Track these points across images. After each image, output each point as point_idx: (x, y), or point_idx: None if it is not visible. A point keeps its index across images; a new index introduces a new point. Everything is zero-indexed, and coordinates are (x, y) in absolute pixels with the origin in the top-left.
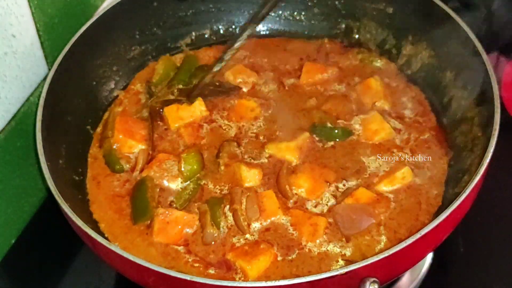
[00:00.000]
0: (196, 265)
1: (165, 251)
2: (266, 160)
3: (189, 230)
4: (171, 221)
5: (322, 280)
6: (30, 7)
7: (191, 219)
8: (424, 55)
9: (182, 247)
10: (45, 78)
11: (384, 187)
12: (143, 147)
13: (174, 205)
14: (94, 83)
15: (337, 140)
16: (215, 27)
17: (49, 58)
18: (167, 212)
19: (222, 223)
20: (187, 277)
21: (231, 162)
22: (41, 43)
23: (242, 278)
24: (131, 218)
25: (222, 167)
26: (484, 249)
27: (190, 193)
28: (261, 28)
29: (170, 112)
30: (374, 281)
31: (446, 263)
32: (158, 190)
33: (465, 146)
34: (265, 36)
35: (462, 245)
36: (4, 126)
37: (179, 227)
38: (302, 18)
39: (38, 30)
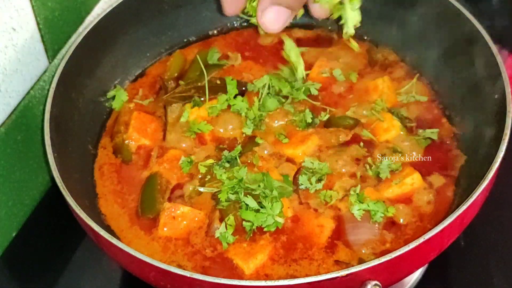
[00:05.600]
0: (194, 257)
1: (166, 245)
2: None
3: (195, 225)
4: (177, 216)
5: (322, 281)
6: (31, 0)
7: (197, 214)
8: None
9: (181, 240)
10: (45, 71)
11: (392, 192)
12: (155, 143)
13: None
14: (104, 75)
15: (346, 128)
16: (229, 23)
17: (50, 52)
18: (173, 207)
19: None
20: (187, 274)
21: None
22: (42, 37)
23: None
24: (138, 210)
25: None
26: (485, 244)
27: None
28: None
29: (191, 108)
30: (375, 284)
31: (447, 258)
32: (167, 185)
33: (477, 150)
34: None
35: (462, 239)
36: (5, 120)
37: (185, 222)
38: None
39: (38, 24)
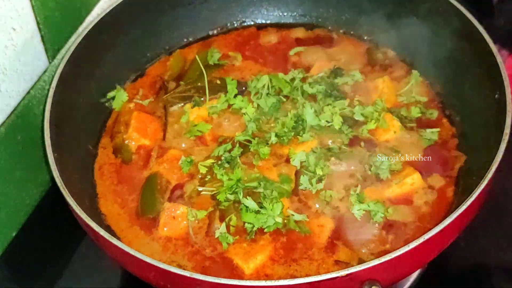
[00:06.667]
0: (194, 257)
1: (166, 245)
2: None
3: (195, 225)
4: (177, 216)
5: (322, 281)
6: (31, 0)
7: (197, 214)
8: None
9: (181, 240)
10: (45, 71)
11: (393, 192)
12: (155, 143)
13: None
14: (104, 75)
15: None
16: (229, 23)
17: (50, 52)
18: (173, 207)
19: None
20: (187, 274)
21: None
22: (42, 37)
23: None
24: (138, 211)
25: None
26: (485, 244)
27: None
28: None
29: (191, 108)
30: (375, 285)
31: (447, 257)
32: (167, 185)
33: (477, 150)
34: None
35: (462, 239)
36: (5, 120)
37: (185, 222)
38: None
39: (38, 24)
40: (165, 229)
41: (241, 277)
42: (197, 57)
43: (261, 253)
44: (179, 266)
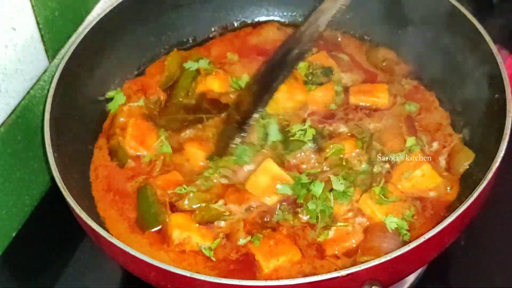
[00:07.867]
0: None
1: (180, 257)
2: None
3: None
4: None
5: (323, 281)
6: (31, 0)
7: (211, 246)
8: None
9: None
10: (45, 71)
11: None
12: (153, 153)
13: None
14: (104, 75)
15: None
16: (228, 23)
17: (50, 52)
18: (181, 218)
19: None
20: (187, 274)
21: None
22: (42, 36)
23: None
24: (139, 223)
25: None
26: (485, 243)
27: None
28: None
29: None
30: (376, 284)
31: (447, 257)
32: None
33: (477, 150)
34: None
35: (462, 239)
36: (5, 119)
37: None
38: None
39: (38, 23)
40: (177, 243)
41: (259, 273)
42: (188, 64)
43: (283, 255)
44: None
